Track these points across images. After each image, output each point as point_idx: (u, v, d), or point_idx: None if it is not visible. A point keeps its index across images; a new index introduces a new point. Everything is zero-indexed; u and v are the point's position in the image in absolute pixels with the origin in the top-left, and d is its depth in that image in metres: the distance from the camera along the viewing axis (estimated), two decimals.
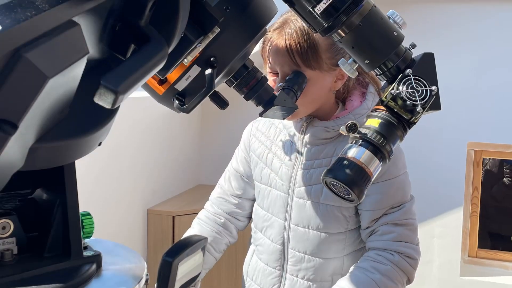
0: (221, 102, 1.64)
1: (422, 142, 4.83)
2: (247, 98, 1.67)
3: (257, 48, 1.93)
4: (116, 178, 4.55)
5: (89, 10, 0.84)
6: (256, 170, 2.48)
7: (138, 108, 4.38)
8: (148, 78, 0.94)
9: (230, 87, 1.65)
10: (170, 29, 1.03)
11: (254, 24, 1.45)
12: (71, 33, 0.79)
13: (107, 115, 0.99)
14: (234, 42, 1.43)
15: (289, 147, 2.36)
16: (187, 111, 1.46)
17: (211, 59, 1.39)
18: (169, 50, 1.05)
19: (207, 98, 1.54)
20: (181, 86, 1.45)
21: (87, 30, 0.87)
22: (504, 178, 4.03)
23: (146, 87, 1.49)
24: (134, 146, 4.77)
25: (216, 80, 1.44)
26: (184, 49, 1.20)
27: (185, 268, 1.09)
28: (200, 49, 1.30)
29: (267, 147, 2.45)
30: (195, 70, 1.41)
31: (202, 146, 6.05)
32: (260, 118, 2.40)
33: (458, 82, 5.29)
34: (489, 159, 3.93)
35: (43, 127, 0.83)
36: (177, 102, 1.46)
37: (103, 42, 0.96)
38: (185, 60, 1.29)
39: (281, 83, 2.02)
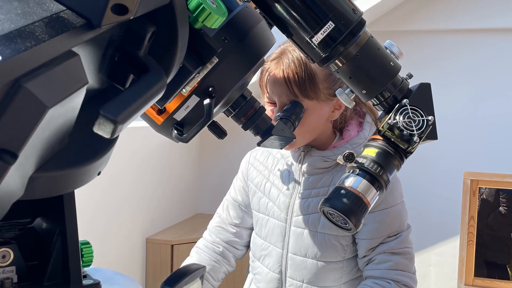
0: (219, 131, 1.65)
1: (419, 171, 4.85)
2: (245, 128, 1.67)
3: (255, 78, 1.94)
4: (115, 207, 4.57)
5: (88, 41, 0.85)
6: (254, 199, 2.49)
7: (137, 138, 4.41)
8: (147, 108, 0.95)
9: (228, 117, 1.65)
10: (169, 60, 1.03)
11: (252, 54, 1.46)
12: (70, 63, 0.79)
13: (106, 144, 0.99)
14: (232, 72, 1.43)
15: (287, 177, 2.37)
16: (186, 141, 1.47)
17: (210, 89, 1.40)
18: (168, 80, 1.06)
19: (205, 127, 1.54)
20: (179, 116, 1.45)
21: (87, 60, 0.87)
22: (500, 207, 4.03)
23: (145, 116, 1.50)
24: (133, 175, 4.78)
25: (215, 110, 1.44)
26: (183, 79, 1.19)
27: None
28: (199, 79, 1.30)
29: (265, 176, 2.46)
30: (194, 100, 1.42)
31: (200, 175, 6.07)
32: (258, 147, 2.41)
33: (455, 112, 5.33)
34: (485, 188, 3.93)
35: (42, 157, 0.84)
36: (175, 132, 1.47)
37: (102, 72, 0.96)
38: (184, 90, 1.29)
39: (279, 113, 2.04)
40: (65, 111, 0.81)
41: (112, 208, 4.53)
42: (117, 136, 0.96)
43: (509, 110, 5.31)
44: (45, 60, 0.76)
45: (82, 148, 0.94)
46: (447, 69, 5.44)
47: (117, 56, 0.97)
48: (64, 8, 0.83)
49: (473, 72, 5.45)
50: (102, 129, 0.83)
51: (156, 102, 1.23)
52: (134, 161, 4.79)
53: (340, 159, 1.55)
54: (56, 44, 0.77)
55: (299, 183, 2.34)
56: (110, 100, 0.86)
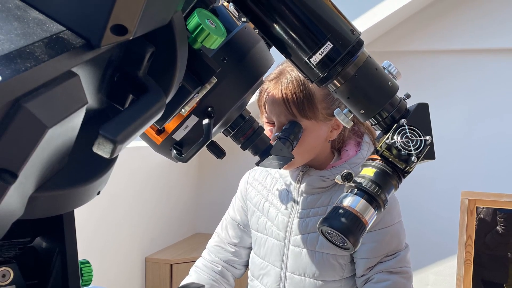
0: (218, 151, 1.66)
1: (416, 191, 4.87)
2: (243, 147, 1.68)
3: (254, 98, 1.95)
4: (114, 226, 4.58)
5: (88, 61, 0.85)
6: (253, 218, 2.50)
7: (136, 157, 4.42)
8: (146, 128, 0.95)
9: (227, 136, 1.66)
10: (168, 80, 1.03)
11: (251, 74, 1.47)
12: (70, 83, 0.80)
13: (106, 164, 1.00)
14: (231, 93, 1.44)
15: (285, 196, 2.38)
16: (185, 160, 1.47)
17: (209, 109, 1.41)
18: (167, 100, 1.06)
19: (204, 147, 1.55)
20: (178, 136, 1.46)
21: (86, 80, 0.88)
22: (498, 227, 4.05)
23: (144, 136, 1.50)
24: (132, 195, 4.79)
25: (213, 130, 1.45)
26: (182, 99, 1.20)
27: None
28: (198, 99, 1.30)
29: (264, 196, 2.46)
30: (193, 120, 1.43)
31: (199, 194, 6.09)
32: (256, 167, 2.42)
33: (452, 132, 5.37)
34: (483, 208, 3.94)
35: (42, 176, 0.84)
36: (174, 151, 1.48)
37: (102, 92, 0.97)
38: (183, 110, 1.30)
39: (277, 133, 2.05)
40: (65, 131, 0.82)
41: (111, 227, 4.54)
42: (117, 156, 0.97)
43: (505, 130, 5.34)
44: (45, 80, 0.76)
45: (82, 168, 0.94)
46: (444, 89, 5.47)
47: (117, 76, 0.98)
48: (64, 29, 0.83)
49: (470, 92, 5.49)
50: (101, 149, 0.84)
51: (155, 122, 1.24)
52: (134, 180, 4.80)
53: (338, 179, 1.55)
54: (56, 64, 0.78)
55: (297, 203, 2.34)
56: (110, 120, 0.86)
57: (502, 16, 5.32)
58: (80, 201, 0.97)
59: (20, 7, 0.85)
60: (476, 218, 3.88)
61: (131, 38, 0.87)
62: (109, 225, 4.49)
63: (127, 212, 4.78)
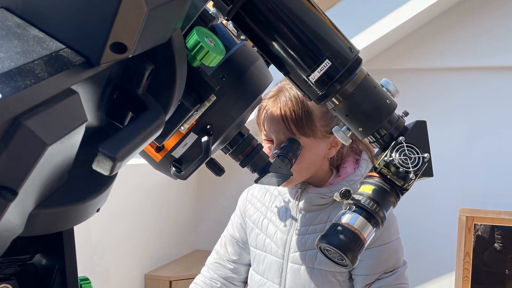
0: (217, 169, 1.66)
1: (415, 208, 4.89)
2: (242, 165, 1.69)
3: (253, 115, 1.96)
4: (114, 243, 4.61)
5: (87, 79, 0.86)
6: (252, 235, 2.51)
7: (136, 175, 4.44)
8: (145, 145, 0.96)
9: (226, 154, 1.67)
10: (167, 97, 1.04)
11: (250, 92, 1.48)
12: (69, 101, 0.80)
13: (106, 181, 1.00)
14: (230, 110, 1.45)
15: (284, 213, 2.39)
16: (184, 178, 1.48)
17: (208, 127, 1.42)
18: (166, 118, 1.07)
19: (204, 165, 1.56)
20: (178, 153, 1.47)
21: (86, 98, 0.88)
22: (496, 244, 4.06)
23: (143, 154, 1.51)
24: (131, 212, 4.82)
25: (212, 148, 1.46)
26: (181, 117, 1.21)
27: None
28: (197, 116, 1.32)
29: (262, 213, 2.48)
30: (192, 137, 1.44)
31: (198, 211, 6.11)
32: (255, 184, 2.43)
33: (450, 149, 5.38)
34: (481, 225, 3.96)
35: (42, 194, 0.85)
36: (174, 169, 1.48)
37: (101, 110, 0.98)
38: (182, 127, 1.31)
39: (276, 150, 2.07)
40: (65, 148, 0.82)
41: (111, 244, 4.55)
42: (116, 173, 0.97)
43: (503, 147, 5.36)
44: (45, 98, 0.77)
45: (82, 185, 0.95)
46: (443, 107, 5.51)
47: (116, 93, 0.99)
48: (64, 47, 0.84)
49: (468, 110, 5.51)
50: (101, 166, 0.84)
51: (155, 140, 1.25)
52: (133, 198, 4.82)
53: (336, 196, 1.56)
54: (56, 82, 0.79)
55: (296, 220, 2.36)
56: (109, 138, 0.87)
57: (500, 34, 5.35)
58: (80, 218, 0.98)
59: (20, 25, 0.86)
60: (474, 235, 3.89)
61: (130, 56, 0.88)
62: (108, 242, 4.51)
63: (127, 229, 4.80)
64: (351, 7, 4.90)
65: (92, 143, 0.88)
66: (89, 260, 4.09)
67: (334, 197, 1.58)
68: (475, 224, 3.94)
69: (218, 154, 1.64)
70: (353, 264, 1.50)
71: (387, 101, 1.54)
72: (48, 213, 0.89)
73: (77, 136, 0.84)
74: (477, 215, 3.92)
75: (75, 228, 1.07)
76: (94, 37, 0.85)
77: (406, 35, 5.55)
